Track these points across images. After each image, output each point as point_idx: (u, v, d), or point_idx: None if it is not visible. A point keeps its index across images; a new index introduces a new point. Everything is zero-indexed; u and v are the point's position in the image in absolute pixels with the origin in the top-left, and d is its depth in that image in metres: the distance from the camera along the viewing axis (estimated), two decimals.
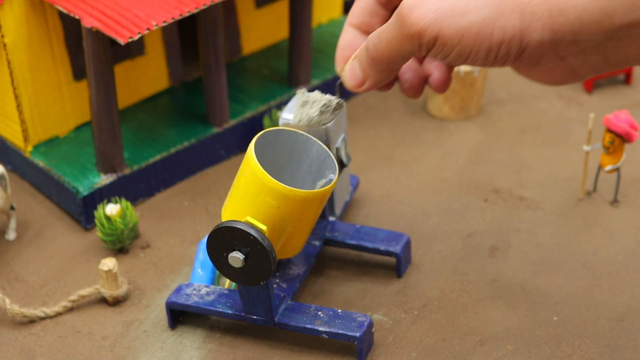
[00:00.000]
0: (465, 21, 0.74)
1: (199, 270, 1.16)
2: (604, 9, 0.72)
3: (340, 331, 1.05)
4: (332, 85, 1.49)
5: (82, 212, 1.26)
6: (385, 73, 0.83)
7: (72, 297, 1.15)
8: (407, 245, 1.18)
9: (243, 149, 1.42)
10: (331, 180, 1.03)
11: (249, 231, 0.98)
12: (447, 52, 0.76)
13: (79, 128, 1.37)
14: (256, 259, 0.99)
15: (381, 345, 1.09)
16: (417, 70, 0.88)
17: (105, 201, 1.26)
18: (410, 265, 1.20)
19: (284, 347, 1.10)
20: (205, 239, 1.18)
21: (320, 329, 1.06)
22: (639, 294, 1.15)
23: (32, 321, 1.14)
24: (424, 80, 0.89)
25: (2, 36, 1.22)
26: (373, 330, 1.08)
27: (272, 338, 1.11)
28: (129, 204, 1.22)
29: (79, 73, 1.32)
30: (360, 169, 1.37)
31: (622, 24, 0.72)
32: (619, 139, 1.23)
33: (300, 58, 1.43)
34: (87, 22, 1.17)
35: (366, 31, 0.87)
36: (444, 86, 0.88)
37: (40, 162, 1.31)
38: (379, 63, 0.82)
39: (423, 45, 0.77)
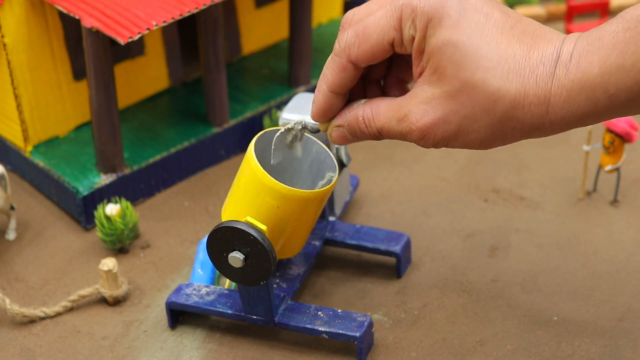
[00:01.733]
0: (470, 139, 0.84)
1: (199, 270, 1.16)
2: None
3: (340, 331, 1.05)
4: None
5: (82, 212, 1.26)
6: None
7: (72, 297, 1.15)
8: (407, 245, 1.18)
9: (243, 149, 1.42)
10: (331, 180, 1.03)
11: (249, 231, 0.98)
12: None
13: (79, 128, 1.37)
14: (256, 259, 0.99)
15: (381, 345, 1.09)
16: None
17: (105, 201, 1.26)
18: (410, 265, 1.20)
19: (284, 347, 1.10)
20: (205, 239, 1.18)
21: (320, 329, 1.06)
22: (639, 294, 1.15)
23: (32, 321, 1.14)
24: None
25: (2, 36, 1.22)
26: (373, 330, 1.08)
27: (272, 338, 1.11)
28: (129, 204, 1.22)
29: (79, 73, 1.32)
30: (360, 169, 1.37)
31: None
32: (619, 139, 1.23)
33: (300, 58, 1.43)
34: (87, 22, 1.17)
35: (340, 92, 0.90)
36: None
37: (40, 162, 1.31)
38: (369, 134, 0.89)
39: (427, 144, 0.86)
